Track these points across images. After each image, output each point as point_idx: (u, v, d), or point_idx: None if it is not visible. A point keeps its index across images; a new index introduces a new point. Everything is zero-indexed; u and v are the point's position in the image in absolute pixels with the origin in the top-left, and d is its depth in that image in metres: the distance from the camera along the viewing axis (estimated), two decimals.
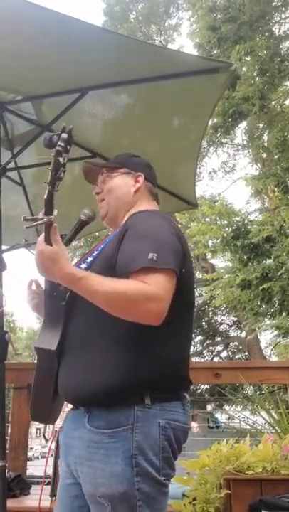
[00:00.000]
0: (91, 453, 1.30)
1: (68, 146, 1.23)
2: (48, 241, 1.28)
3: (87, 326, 1.38)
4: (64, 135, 1.23)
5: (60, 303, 1.44)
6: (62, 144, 1.22)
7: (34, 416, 1.54)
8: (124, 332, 1.30)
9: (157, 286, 1.24)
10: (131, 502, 1.26)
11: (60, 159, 1.23)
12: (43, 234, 1.30)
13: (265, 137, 11.71)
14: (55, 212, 1.27)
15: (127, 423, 1.27)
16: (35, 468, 6.53)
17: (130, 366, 1.30)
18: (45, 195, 1.26)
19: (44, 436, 1.76)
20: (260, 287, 7.92)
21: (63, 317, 1.44)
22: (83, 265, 1.47)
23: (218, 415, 14.43)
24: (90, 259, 1.49)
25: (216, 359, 16.16)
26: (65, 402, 1.53)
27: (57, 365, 1.42)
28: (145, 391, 1.30)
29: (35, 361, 1.49)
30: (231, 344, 16.58)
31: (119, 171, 1.62)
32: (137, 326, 1.27)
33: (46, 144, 1.23)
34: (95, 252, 1.50)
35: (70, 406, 1.47)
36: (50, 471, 2.58)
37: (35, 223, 1.27)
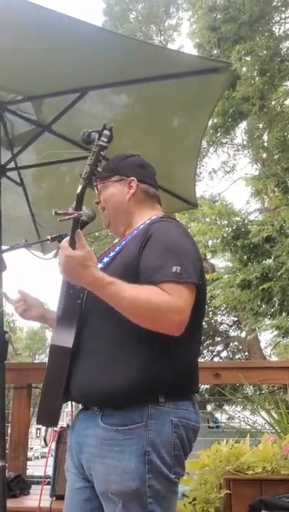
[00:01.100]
0: (104, 450, 1.32)
1: (108, 144, 1.26)
2: (73, 240, 1.29)
3: (104, 327, 1.39)
4: (106, 132, 1.27)
5: (76, 301, 1.45)
6: (105, 140, 1.27)
7: (41, 418, 1.49)
8: (141, 333, 1.32)
9: (180, 298, 1.29)
10: (142, 499, 1.28)
11: (102, 153, 1.26)
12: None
13: (265, 137, 11.72)
14: (84, 208, 1.31)
15: (141, 420, 1.30)
16: (35, 469, 6.53)
17: (146, 366, 1.32)
18: (79, 190, 1.29)
19: (45, 440, 1.75)
20: (260, 287, 7.92)
21: (78, 316, 1.44)
22: (100, 265, 1.46)
23: (218, 415, 14.41)
24: (106, 259, 1.50)
25: (216, 359, 16.16)
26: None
27: (69, 364, 1.41)
28: (159, 390, 1.33)
29: (47, 359, 1.46)
30: (231, 344, 16.59)
31: (112, 179, 1.61)
32: (149, 330, 1.30)
33: (85, 140, 1.28)
34: (112, 253, 1.51)
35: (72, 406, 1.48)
36: (50, 471, 2.59)
37: (67, 217, 1.27)
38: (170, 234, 1.43)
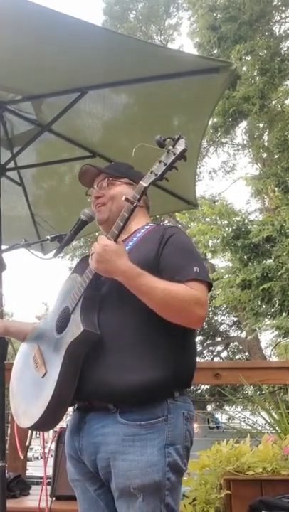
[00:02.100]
0: (126, 446, 1.35)
1: (185, 152, 1.38)
2: (122, 229, 1.41)
3: (122, 322, 1.42)
4: (183, 140, 1.37)
5: (99, 292, 1.47)
6: (187, 145, 1.37)
7: (42, 421, 1.42)
8: (163, 330, 1.40)
9: (203, 293, 1.41)
10: (161, 491, 1.34)
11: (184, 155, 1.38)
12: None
13: (266, 137, 11.73)
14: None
15: (162, 415, 1.37)
16: (35, 469, 6.53)
17: (169, 363, 1.39)
18: (148, 183, 1.40)
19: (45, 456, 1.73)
20: (261, 287, 7.92)
21: (98, 307, 1.46)
22: None
23: (218, 416, 14.45)
24: None
25: (216, 359, 16.17)
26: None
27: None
28: (173, 386, 1.41)
29: (69, 346, 1.39)
30: (231, 344, 16.60)
31: (122, 180, 1.68)
32: (171, 327, 1.39)
33: (160, 143, 1.38)
34: None
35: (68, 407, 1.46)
36: (49, 472, 2.59)
37: (133, 204, 1.39)
38: (186, 239, 1.58)
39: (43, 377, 1.47)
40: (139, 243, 1.55)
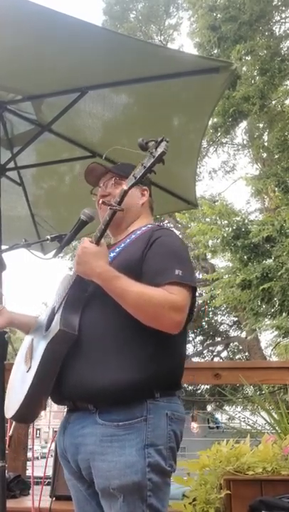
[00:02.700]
0: (104, 447, 1.34)
1: (164, 155, 1.38)
2: (104, 232, 1.43)
3: (109, 323, 1.42)
4: (166, 143, 1.38)
5: (84, 293, 1.48)
6: (166, 148, 1.37)
7: (20, 413, 1.47)
8: (143, 332, 1.38)
9: (181, 298, 1.38)
10: (142, 492, 1.33)
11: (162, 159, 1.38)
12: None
13: (266, 137, 11.73)
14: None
15: (141, 415, 1.36)
16: (35, 469, 6.52)
17: (147, 364, 1.38)
18: (127, 186, 1.41)
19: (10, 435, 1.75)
20: (261, 287, 7.91)
21: (82, 307, 1.47)
22: None
23: (218, 416, 14.45)
24: None
25: (216, 359, 16.16)
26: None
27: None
28: (154, 386, 1.40)
29: (48, 344, 1.43)
30: (231, 344, 16.58)
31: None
32: (151, 328, 1.37)
33: (143, 146, 1.40)
34: (112, 254, 1.55)
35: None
36: (49, 472, 2.59)
37: (113, 208, 1.41)
38: (172, 241, 1.54)
39: (27, 371, 1.50)
40: (130, 245, 1.55)
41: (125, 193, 1.41)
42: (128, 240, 1.58)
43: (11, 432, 1.68)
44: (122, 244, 1.57)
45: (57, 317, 1.45)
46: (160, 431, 1.37)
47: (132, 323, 1.37)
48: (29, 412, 1.50)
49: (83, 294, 1.47)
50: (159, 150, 1.36)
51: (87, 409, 1.40)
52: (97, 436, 1.36)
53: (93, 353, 1.40)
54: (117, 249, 1.56)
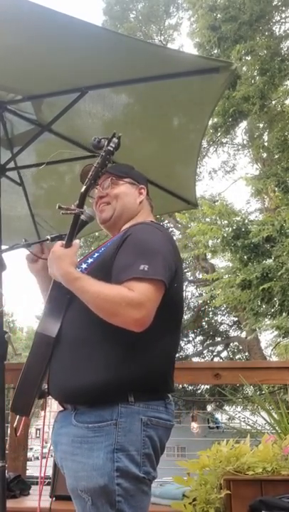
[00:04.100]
0: (75, 447, 1.34)
1: (115, 150, 1.39)
2: (72, 235, 1.43)
3: (78, 323, 1.43)
4: (115, 139, 1.38)
5: (66, 295, 1.47)
6: (113, 146, 1.37)
7: (17, 406, 1.50)
8: (111, 331, 1.34)
9: (141, 294, 1.31)
10: (110, 497, 1.29)
11: (108, 157, 1.39)
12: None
13: (266, 137, 11.74)
14: (85, 207, 1.44)
15: (111, 418, 1.33)
16: (35, 469, 6.53)
17: (116, 365, 1.35)
18: (83, 189, 1.40)
19: (15, 429, 1.76)
20: (261, 287, 7.92)
21: (65, 309, 1.47)
22: (84, 265, 1.53)
23: (218, 416, 14.44)
24: (90, 260, 1.55)
25: (216, 359, 16.17)
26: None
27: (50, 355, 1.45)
28: (129, 389, 1.36)
29: (32, 344, 1.47)
30: (231, 344, 16.59)
31: (125, 180, 1.70)
32: (124, 328, 1.33)
33: (95, 145, 1.39)
34: (96, 254, 1.55)
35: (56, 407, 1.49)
36: (49, 472, 2.59)
37: (69, 212, 1.40)
38: (144, 236, 1.48)
39: None
40: (110, 244, 1.54)
41: (83, 196, 1.40)
42: (115, 238, 1.56)
43: (15, 423, 1.69)
44: (109, 243, 1.56)
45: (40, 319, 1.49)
46: (132, 436, 1.32)
47: (103, 322, 1.34)
48: (19, 405, 1.52)
49: (64, 296, 1.47)
50: (106, 148, 1.36)
51: (68, 409, 1.43)
52: (69, 437, 1.37)
53: (68, 354, 1.41)
54: (102, 249, 1.56)
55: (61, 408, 1.49)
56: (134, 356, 1.37)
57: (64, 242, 1.44)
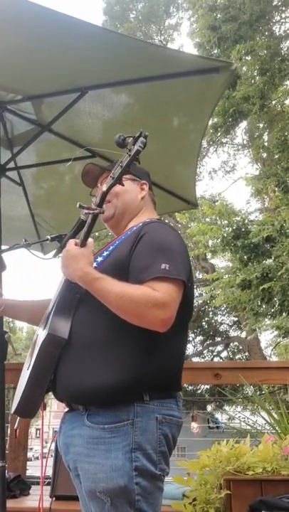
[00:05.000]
0: (90, 449, 1.33)
1: (142, 150, 1.32)
2: (88, 234, 1.38)
3: (94, 324, 1.41)
4: (143, 138, 1.32)
5: (75, 295, 1.46)
6: (141, 145, 1.31)
7: (21, 408, 1.48)
8: (129, 332, 1.34)
9: (166, 294, 1.31)
10: (130, 496, 1.29)
11: (137, 157, 1.33)
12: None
13: (266, 137, 11.74)
14: (104, 207, 1.40)
15: (127, 418, 1.32)
16: (35, 469, 6.53)
17: (133, 365, 1.34)
18: (105, 188, 1.35)
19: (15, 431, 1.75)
20: (261, 287, 7.92)
21: (74, 309, 1.46)
22: (94, 264, 1.49)
23: (218, 416, 14.45)
24: (100, 258, 1.52)
25: (216, 359, 16.17)
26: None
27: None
28: (144, 389, 1.35)
29: (40, 346, 1.43)
30: (231, 344, 16.59)
31: (126, 176, 1.65)
32: (139, 328, 1.32)
33: (119, 143, 1.33)
34: (105, 253, 1.53)
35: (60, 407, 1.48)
36: (49, 472, 2.59)
37: (91, 212, 1.35)
38: (161, 235, 1.47)
39: (28, 368, 1.50)
40: (123, 241, 1.52)
41: (104, 194, 1.36)
42: (123, 237, 1.54)
43: (16, 424, 1.68)
44: (117, 242, 1.54)
45: (49, 320, 1.45)
46: (149, 435, 1.33)
47: (119, 322, 1.33)
48: (26, 408, 1.50)
49: (74, 296, 1.46)
50: (135, 147, 1.30)
51: (78, 410, 1.40)
52: (84, 438, 1.35)
53: (81, 355, 1.38)
54: (111, 248, 1.54)
55: (67, 409, 1.47)
56: (148, 356, 1.36)
57: (78, 241, 1.41)
